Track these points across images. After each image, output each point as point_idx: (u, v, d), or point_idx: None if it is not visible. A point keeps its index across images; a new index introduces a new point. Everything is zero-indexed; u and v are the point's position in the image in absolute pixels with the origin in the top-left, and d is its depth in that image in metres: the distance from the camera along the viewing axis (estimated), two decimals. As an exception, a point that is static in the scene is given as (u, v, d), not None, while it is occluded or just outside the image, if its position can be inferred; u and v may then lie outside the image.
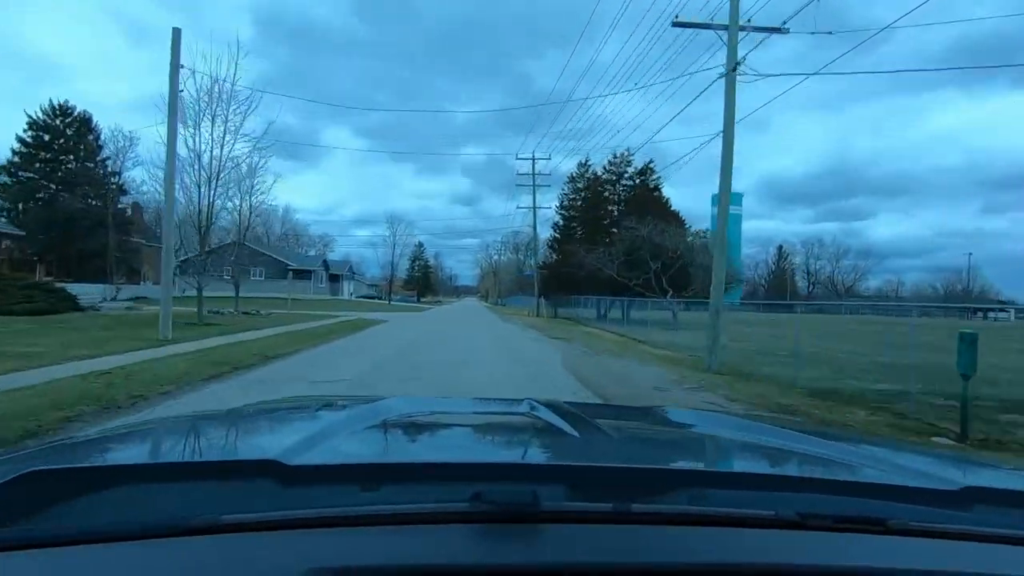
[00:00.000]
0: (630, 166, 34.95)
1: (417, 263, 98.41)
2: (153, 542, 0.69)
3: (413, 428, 1.43)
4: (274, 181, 31.79)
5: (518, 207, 49.51)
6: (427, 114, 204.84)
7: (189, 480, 0.88)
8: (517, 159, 43.82)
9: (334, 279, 64.68)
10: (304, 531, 0.71)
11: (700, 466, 1.26)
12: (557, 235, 39.31)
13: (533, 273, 41.23)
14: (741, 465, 1.33)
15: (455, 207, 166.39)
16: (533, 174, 43.13)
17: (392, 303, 60.88)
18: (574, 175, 38.13)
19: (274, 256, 54.19)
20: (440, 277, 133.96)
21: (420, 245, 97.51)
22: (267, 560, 0.67)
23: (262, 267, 48.55)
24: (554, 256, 38.57)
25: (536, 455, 1.29)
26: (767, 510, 0.79)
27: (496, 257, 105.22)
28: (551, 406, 1.53)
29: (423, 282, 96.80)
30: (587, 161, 37.30)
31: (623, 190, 35.72)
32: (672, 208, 34.01)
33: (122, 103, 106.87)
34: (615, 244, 28.75)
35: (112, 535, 0.70)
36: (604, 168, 35.99)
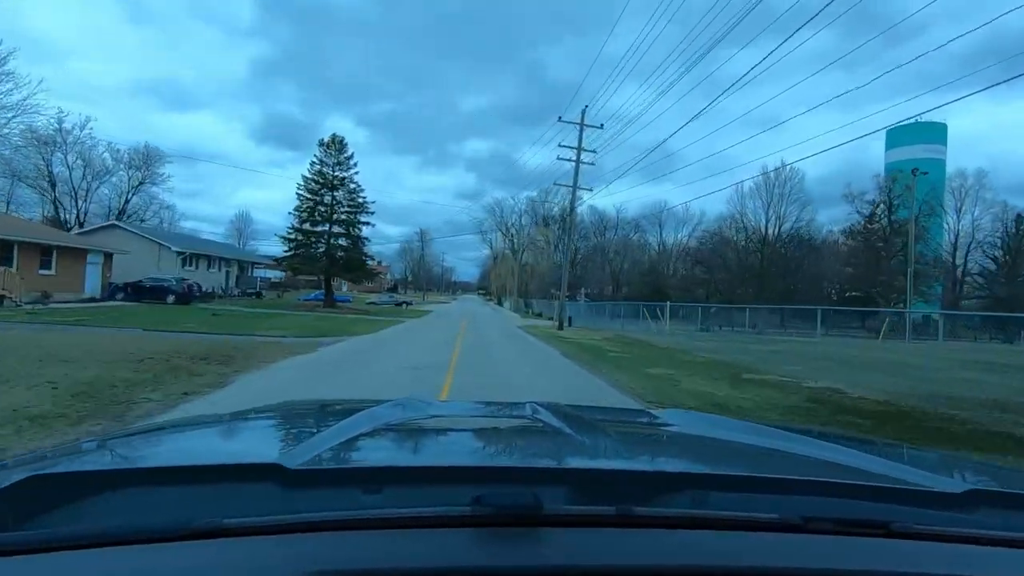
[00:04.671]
0: None
1: (324, 207, 36.24)
2: (156, 546, 0.69)
3: (415, 432, 1.40)
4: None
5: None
6: (432, 105, 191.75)
7: (191, 484, 0.86)
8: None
9: None
10: (306, 534, 0.71)
11: (702, 469, 1.22)
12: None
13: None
14: (743, 468, 1.25)
15: (459, 201, 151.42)
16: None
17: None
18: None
19: None
20: (428, 268, 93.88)
21: (339, 143, 36.72)
22: (270, 563, 0.67)
23: None
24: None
25: (538, 458, 1.27)
26: (770, 513, 0.79)
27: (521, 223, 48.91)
28: (553, 409, 1.54)
29: (346, 258, 36.14)
30: None
31: None
32: None
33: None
34: None
35: (114, 539, 0.70)
36: None
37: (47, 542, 0.69)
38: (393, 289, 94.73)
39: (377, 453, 1.24)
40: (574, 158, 29.01)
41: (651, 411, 2.04)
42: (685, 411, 2.22)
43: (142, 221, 51.95)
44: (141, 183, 51.55)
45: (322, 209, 36.46)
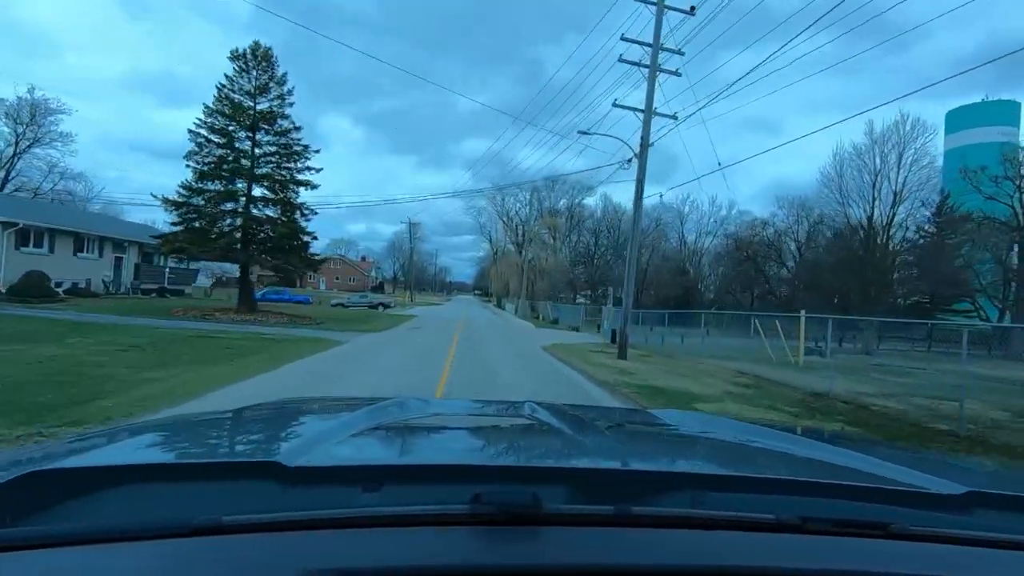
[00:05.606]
0: None
1: (235, 155, 21.49)
2: (155, 542, 0.69)
3: (414, 430, 1.41)
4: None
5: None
6: (430, 104, 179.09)
7: (191, 481, 0.87)
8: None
9: None
10: (305, 532, 0.71)
11: (701, 469, 1.21)
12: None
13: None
14: (742, 468, 1.25)
15: (454, 203, 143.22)
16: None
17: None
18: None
19: None
20: (421, 267, 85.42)
21: (264, 56, 21.90)
22: (269, 561, 0.67)
23: None
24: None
25: (537, 457, 1.27)
26: (768, 513, 0.79)
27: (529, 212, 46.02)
28: (552, 409, 1.55)
29: (274, 236, 21.85)
30: None
31: None
32: None
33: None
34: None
35: (114, 535, 0.70)
36: None
37: (46, 538, 0.68)
38: (379, 288, 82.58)
39: (376, 451, 1.23)
40: (646, 61, 16.69)
41: (650, 411, 2.07)
42: (684, 411, 2.15)
43: (36, 195, 39.27)
44: (31, 143, 38.85)
45: (232, 159, 22.30)
